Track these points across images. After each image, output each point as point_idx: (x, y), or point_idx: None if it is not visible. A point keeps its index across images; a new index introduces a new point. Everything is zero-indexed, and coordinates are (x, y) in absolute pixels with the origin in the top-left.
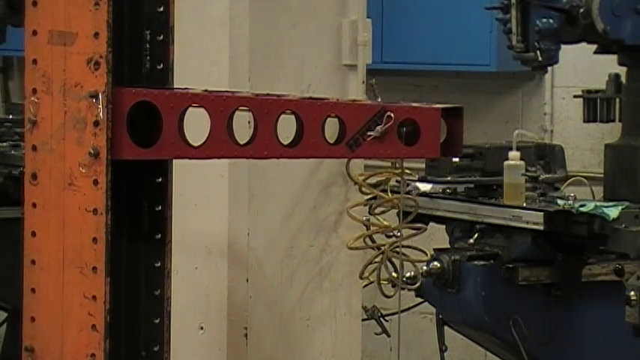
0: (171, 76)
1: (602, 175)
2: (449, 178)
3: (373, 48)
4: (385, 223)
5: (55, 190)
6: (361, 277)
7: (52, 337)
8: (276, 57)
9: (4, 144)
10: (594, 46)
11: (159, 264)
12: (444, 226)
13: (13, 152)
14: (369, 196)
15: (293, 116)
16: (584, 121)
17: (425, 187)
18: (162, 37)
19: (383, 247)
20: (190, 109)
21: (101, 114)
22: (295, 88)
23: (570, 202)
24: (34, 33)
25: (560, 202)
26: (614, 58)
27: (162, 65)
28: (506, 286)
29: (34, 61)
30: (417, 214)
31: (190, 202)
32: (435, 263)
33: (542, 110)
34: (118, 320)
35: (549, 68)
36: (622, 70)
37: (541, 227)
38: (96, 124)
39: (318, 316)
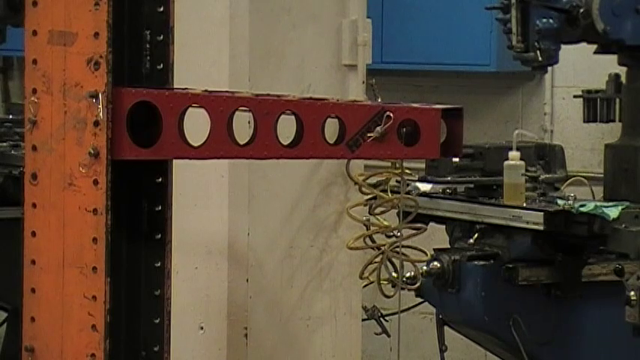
0: (171, 76)
1: (602, 175)
2: (449, 178)
3: (373, 48)
4: (385, 223)
5: (55, 190)
6: (361, 277)
7: (52, 337)
8: (276, 57)
9: (4, 144)
10: (594, 46)
11: (159, 264)
12: (444, 226)
13: (13, 152)
14: (369, 196)
15: (293, 116)
16: (584, 121)
17: (425, 187)
18: (162, 37)
19: (383, 247)
20: (190, 109)
21: (101, 114)
22: (295, 88)
23: (570, 202)
24: (34, 33)
25: (560, 202)
26: (614, 58)
27: (162, 65)
28: (506, 286)
29: (34, 61)
30: (417, 214)
31: (190, 202)
32: (435, 263)
33: (542, 110)
34: (118, 320)
35: (549, 68)
36: (622, 70)
37: (541, 227)
38: (96, 124)
39: (318, 316)
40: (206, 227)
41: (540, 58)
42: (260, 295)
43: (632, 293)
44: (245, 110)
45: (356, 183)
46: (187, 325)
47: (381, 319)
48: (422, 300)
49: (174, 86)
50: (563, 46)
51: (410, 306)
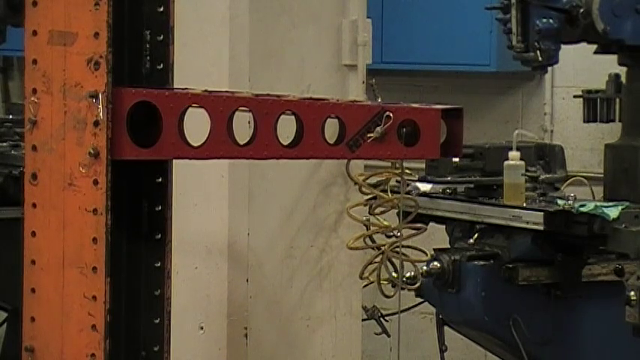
0: (171, 76)
1: (602, 175)
2: (449, 178)
3: (373, 48)
4: (385, 223)
5: (55, 190)
6: (361, 277)
7: (52, 337)
8: (276, 57)
9: (4, 144)
10: (594, 46)
11: (159, 264)
12: (444, 226)
13: (13, 152)
14: (369, 196)
15: (293, 116)
16: (584, 121)
17: (425, 187)
18: (162, 37)
19: (383, 247)
20: (190, 109)
21: (101, 114)
22: (295, 88)
23: (570, 202)
24: (34, 33)
25: (560, 202)
26: (614, 58)
27: (162, 65)
28: (506, 286)
29: (34, 61)
30: (417, 214)
31: (190, 202)
32: (435, 263)
33: (542, 110)
34: (118, 320)
35: (549, 68)
36: (622, 70)
37: (541, 227)
38: (96, 124)
39: (318, 316)
40: (206, 227)
41: (540, 58)
42: (260, 295)
43: (632, 293)
44: (245, 110)
45: (356, 183)
46: (187, 325)
47: (381, 319)
48: (422, 300)
49: (174, 86)
50: (563, 46)
51: (410, 306)
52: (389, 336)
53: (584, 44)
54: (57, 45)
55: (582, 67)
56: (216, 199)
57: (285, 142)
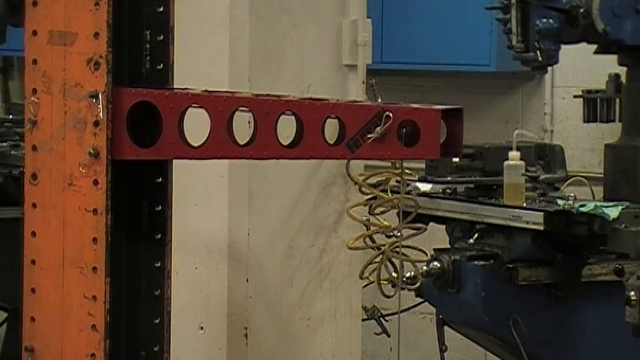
0: (171, 76)
1: (602, 175)
2: (449, 178)
3: (373, 48)
4: (385, 223)
5: (55, 190)
6: (361, 277)
7: (52, 337)
8: (276, 57)
9: (4, 144)
10: (594, 46)
11: (159, 264)
12: (444, 226)
13: (13, 152)
14: (369, 196)
15: (293, 116)
16: (584, 121)
17: (425, 187)
18: (162, 37)
19: (383, 247)
20: (190, 109)
21: (101, 114)
22: (295, 88)
23: (570, 202)
24: (34, 33)
25: (560, 202)
26: (614, 58)
27: (162, 65)
28: (506, 286)
29: (34, 61)
30: (417, 214)
31: (190, 202)
32: (435, 263)
33: (542, 110)
34: (118, 320)
35: (549, 68)
36: (622, 70)
37: (541, 227)
38: (96, 124)
39: (318, 316)
40: (206, 227)
41: (540, 58)
42: (260, 295)
43: (632, 293)
44: (245, 110)
45: (356, 183)
46: (187, 325)
47: (381, 319)
48: (422, 300)
49: (174, 86)
50: (563, 46)
51: (410, 306)
52: (389, 336)
53: (584, 44)
54: (57, 45)
55: (582, 67)
56: (216, 199)
57: (285, 142)
